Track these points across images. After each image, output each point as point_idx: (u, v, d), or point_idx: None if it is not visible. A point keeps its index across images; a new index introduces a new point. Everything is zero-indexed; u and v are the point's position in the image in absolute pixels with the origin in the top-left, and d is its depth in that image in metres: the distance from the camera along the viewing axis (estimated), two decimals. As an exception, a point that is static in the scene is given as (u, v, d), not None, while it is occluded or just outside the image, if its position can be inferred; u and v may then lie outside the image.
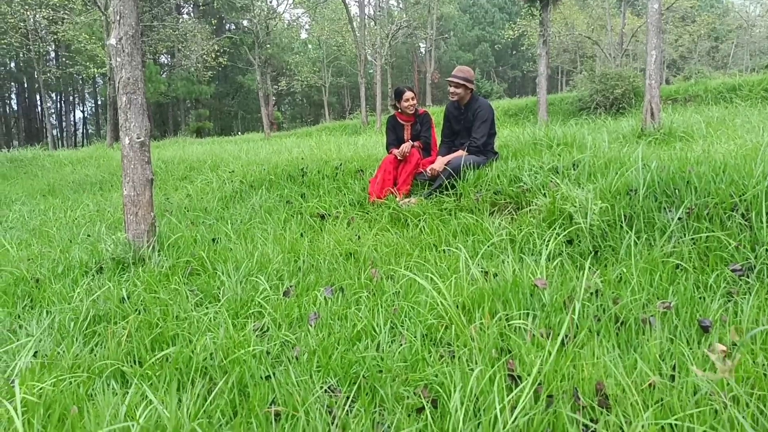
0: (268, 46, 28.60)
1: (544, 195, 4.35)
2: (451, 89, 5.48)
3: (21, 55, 25.12)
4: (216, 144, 16.76)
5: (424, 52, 47.74)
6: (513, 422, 1.85)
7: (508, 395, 1.97)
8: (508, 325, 2.60)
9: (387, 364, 2.41)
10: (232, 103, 50.13)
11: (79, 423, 1.98)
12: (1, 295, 3.82)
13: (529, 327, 2.52)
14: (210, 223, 5.40)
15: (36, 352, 2.79)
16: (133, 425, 1.82)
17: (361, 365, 2.43)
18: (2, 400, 2.13)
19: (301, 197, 5.93)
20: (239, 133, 36.98)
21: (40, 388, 2.30)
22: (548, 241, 3.53)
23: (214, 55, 26.67)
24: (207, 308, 3.27)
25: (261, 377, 2.42)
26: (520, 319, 2.63)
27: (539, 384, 2.05)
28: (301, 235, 4.70)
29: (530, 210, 4.28)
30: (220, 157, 10.21)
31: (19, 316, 3.46)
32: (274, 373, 2.43)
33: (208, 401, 2.20)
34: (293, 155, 8.72)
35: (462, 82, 5.40)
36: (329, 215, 5.22)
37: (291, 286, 3.50)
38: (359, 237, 4.45)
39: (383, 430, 1.93)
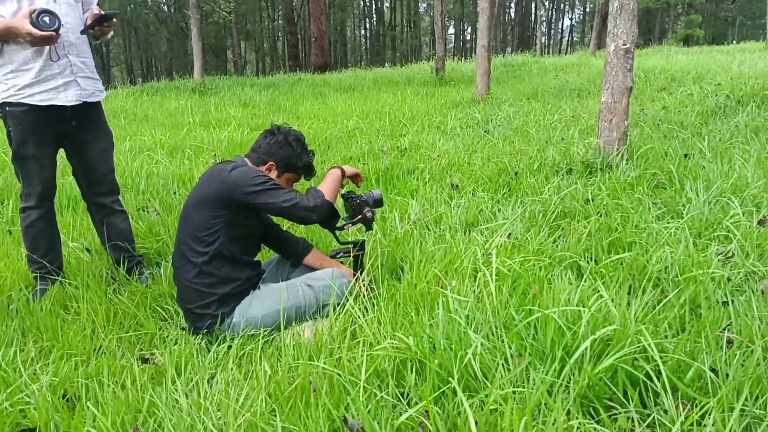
0: (790, -64, 24.02)
1: None
2: None
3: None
4: (704, 53, 15.34)
5: None
6: None
7: None
8: None
9: None
10: (731, 7, 44.43)
11: (539, 299, 2.26)
12: (487, 181, 4.45)
13: None
14: (684, 138, 5.13)
15: (509, 233, 3.21)
16: (584, 310, 1.99)
17: None
18: (482, 266, 2.57)
19: (802, 118, 5.08)
20: (734, 42, 32.80)
21: (510, 264, 2.67)
22: None
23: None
24: (668, 222, 3.21)
25: (717, 301, 2.31)
26: None
27: None
28: (794, 161, 4.08)
29: None
30: (707, 68, 9.37)
31: (498, 201, 4.01)
32: (732, 301, 2.29)
33: (656, 310, 2.23)
34: (799, 68, 7.42)
35: None
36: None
37: (769, 216, 3.14)
38: None
39: None
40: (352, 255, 2.86)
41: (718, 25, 46.51)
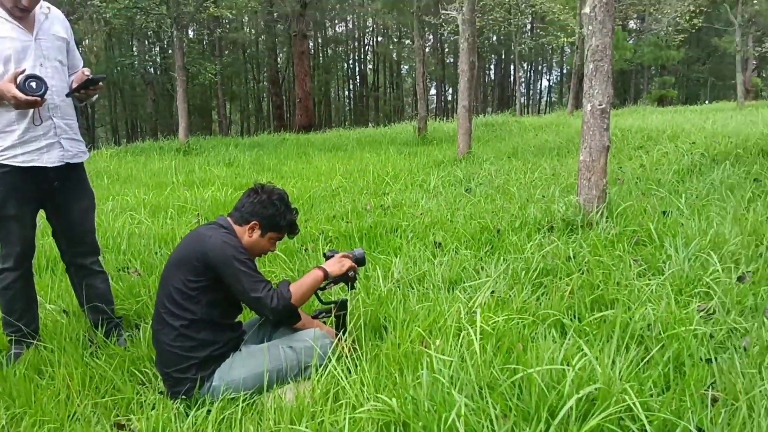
0: (755, 2, 25.18)
1: None
2: None
3: (502, 29, 27.83)
4: (678, 113, 15.81)
5: None
6: None
7: None
8: None
9: None
10: (702, 69, 46.03)
11: (523, 357, 2.25)
12: (470, 239, 4.48)
13: None
14: (662, 196, 5.22)
15: (493, 291, 3.21)
16: (568, 369, 1.97)
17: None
18: (466, 324, 2.56)
19: (775, 176, 5.21)
20: (706, 101, 33.88)
21: (494, 322, 2.66)
22: None
23: (688, 17, 24.76)
24: (649, 279, 3.23)
25: (700, 359, 2.31)
26: None
27: None
28: (769, 218, 4.16)
29: None
30: (682, 127, 9.63)
31: (481, 259, 4.02)
32: (715, 358, 2.29)
33: (640, 368, 2.22)
34: (770, 127, 7.66)
35: None
36: (809, 199, 4.47)
37: (748, 272, 3.18)
38: None
39: None
40: (333, 315, 2.83)
41: (691, 86, 48.08)
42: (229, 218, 2.67)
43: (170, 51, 24.93)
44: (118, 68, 33.20)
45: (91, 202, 3.16)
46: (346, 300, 2.89)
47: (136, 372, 2.75)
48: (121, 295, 3.63)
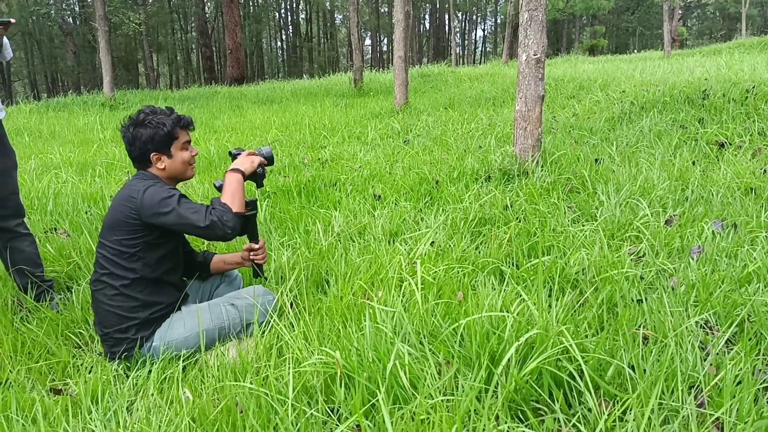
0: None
1: None
2: None
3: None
4: (609, 62, 16.15)
5: None
6: None
7: None
8: None
9: (780, 312, 2.15)
10: (632, 18, 47.04)
11: (464, 305, 2.28)
12: (409, 191, 4.49)
13: None
14: (594, 143, 5.36)
15: (433, 241, 3.24)
16: (507, 315, 2.02)
17: (746, 308, 2.22)
18: (407, 275, 2.58)
19: (699, 122, 5.41)
20: (635, 51, 34.76)
21: (435, 272, 2.70)
22: None
23: (616, -33, 25.09)
24: (583, 225, 3.33)
25: (632, 299, 2.40)
26: None
27: None
28: (693, 163, 4.34)
29: None
30: (612, 76, 9.85)
31: (421, 210, 4.04)
32: (646, 298, 2.39)
33: (575, 311, 2.30)
34: (695, 75, 7.92)
35: None
36: (730, 144, 4.67)
37: (675, 215, 3.31)
38: (766, 171, 3.90)
39: (765, 378, 1.76)
40: (244, 215, 2.71)
41: (621, 35, 49.16)
42: (140, 172, 2.51)
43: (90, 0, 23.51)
44: (34, 18, 31.21)
45: (12, 162, 2.98)
46: (256, 200, 2.78)
47: (71, 335, 2.66)
48: (51, 257, 3.48)
